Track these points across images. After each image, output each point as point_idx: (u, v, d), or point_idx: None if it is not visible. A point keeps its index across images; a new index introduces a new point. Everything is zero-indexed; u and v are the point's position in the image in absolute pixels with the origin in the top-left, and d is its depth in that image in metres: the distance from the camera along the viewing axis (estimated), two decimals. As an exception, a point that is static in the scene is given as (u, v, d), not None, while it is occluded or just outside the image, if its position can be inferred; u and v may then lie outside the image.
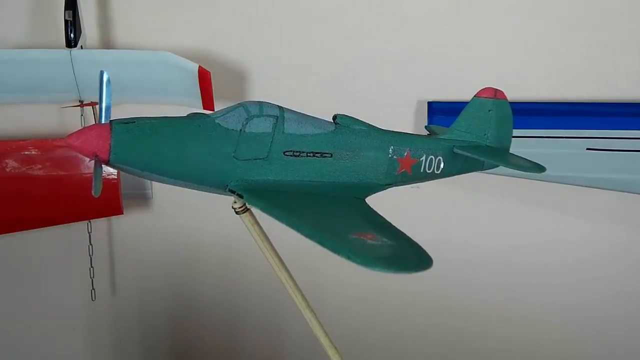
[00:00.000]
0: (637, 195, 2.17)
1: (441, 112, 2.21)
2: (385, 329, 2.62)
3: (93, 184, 1.08)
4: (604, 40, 2.25)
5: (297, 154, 1.24)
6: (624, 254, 2.42)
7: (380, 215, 1.21)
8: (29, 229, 2.38)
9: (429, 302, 2.55)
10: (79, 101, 2.27)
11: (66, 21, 2.16)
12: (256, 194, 1.18)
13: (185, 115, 1.36)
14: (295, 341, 2.61)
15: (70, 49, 2.16)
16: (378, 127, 1.40)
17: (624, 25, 2.23)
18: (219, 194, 1.25)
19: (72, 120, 2.39)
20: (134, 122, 1.14)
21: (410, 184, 1.44)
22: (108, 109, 1.14)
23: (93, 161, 1.12)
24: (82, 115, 2.36)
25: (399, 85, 2.36)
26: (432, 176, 1.47)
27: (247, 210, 1.33)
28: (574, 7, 2.23)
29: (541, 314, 2.51)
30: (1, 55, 2.15)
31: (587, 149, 2.17)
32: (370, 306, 2.61)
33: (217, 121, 1.20)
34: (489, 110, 1.53)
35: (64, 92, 2.22)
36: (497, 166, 1.57)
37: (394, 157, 1.37)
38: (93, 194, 1.08)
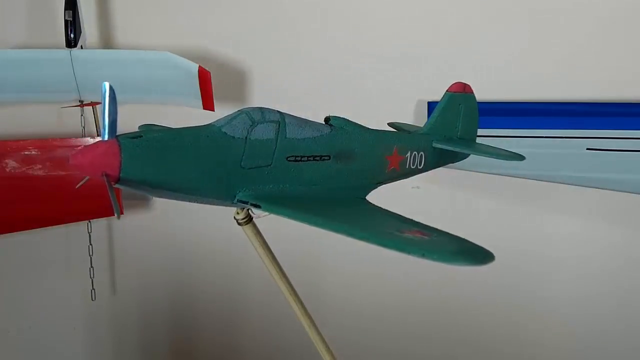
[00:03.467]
0: (637, 195, 2.17)
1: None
2: (385, 333, 2.61)
3: (113, 205, 1.01)
4: (604, 40, 2.24)
5: (299, 158, 1.23)
6: (624, 254, 2.42)
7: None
8: (29, 229, 2.37)
9: (427, 303, 2.55)
10: (79, 101, 2.28)
11: (66, 21, 2.17)
12: (275, 201, 1.16)
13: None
14: (295, 341, 2.60)
15: (70, 49, 2.16)
16: (366, 126, 1.40)
17: (624, 25, 2.23)
18: (225, 206, 1.22)
19: (72, 120, 2.39)
20: (141, 136, 1.09)
21: (397, 181, 1.46)
22: (113, 123, 1.05)
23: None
24: (82, 115, 2.36)
25: (399, 85, 2.36)
26: (416, 171, 1.51)
27: (250, 220, 1.31)
28: (574, 8, 2.23)
29: (541, 314, 2.51)
30: (1, 55, 2.15)
31: (587, 149, 2.16)
32: (371, 315, 2.61)
33: (223, 130, 1.15)
34: (459, 104, 1.61)
35: (64, 92, 2.22)
36: (467, 156, 1.65)
37: (384, 155, 1.39)
38: (116, 217, 1.03)
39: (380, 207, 1.24)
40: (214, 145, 1.13)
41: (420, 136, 1.55)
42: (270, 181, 1.19)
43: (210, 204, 1.21)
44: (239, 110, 1.20)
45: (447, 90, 1.62)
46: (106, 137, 1.05)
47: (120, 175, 1.05)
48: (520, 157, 1.54)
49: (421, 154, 1.49)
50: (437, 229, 1.09)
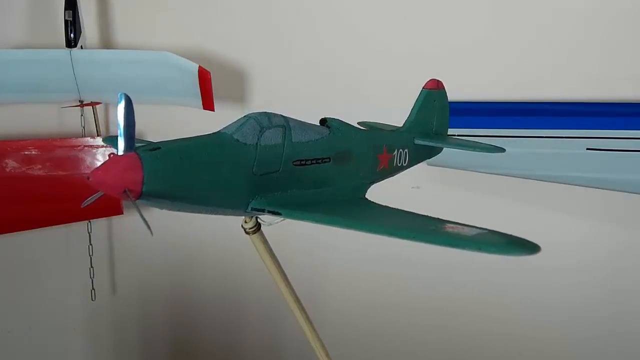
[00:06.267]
0: (637, 195, 2.17)
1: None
2: (385, 335, 2.61)
3: (145, 224, 0.98)
4: (604, 41, 2.24)
5: (304, 162, 1.21)
6: (624, 255, 2.42)
7: None
8: (29, 229, 2.38)
9: (426, 306, 2.54)
10: (79, 101, 2.28)
11: (66, 21, 2.17)
12: (293, 207, 1.14)
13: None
14: (295, 341, 2.61)
15: (70, 49, 2.16)
16: (357, 126, 1.41)
17: (624, 25, 2.22)
18: (237, 215, 1.20)
19: (72, 120, 2.39)
20: (159, 147, 1.03)
21: (385, 179, 1.46)
22: (131, 136, 0.99)
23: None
24: (82, 115, 2.36)
25: (399, 85, 2.36)
26: (400, 169, 1.51)
27: (259, 228, 1.30)
28: (575, 7, 2.23)
29: (540, 314, 2.51)
30: (1, 55, 2.15)
31: (587, 149, 2.16)
32: (371, 316, 2.60)
33: (235, 137, 1.13)
34: (434, 101, 1.63)
35: (64, 92, 2.23)
36: (440, 152, 1.66)
37: (376, 154, 1.40)
38: (151, 235, 0.99)
39: (390, 207, 1.23)
40: (230, 153, 1.11)
41: (402, 134, 1.56)
42: (279, 187, 1.17)
43: (222, 214, 1.18)
44: (245, 116, 1.18)
45: (423, 88, 1.63)
46: (123, 151, 0.99)
47: (143, 190, 1.01)
48: (501, 150, 1.55)
49: (405, 151, 1.51)
50: (467, 224, 1.07)
